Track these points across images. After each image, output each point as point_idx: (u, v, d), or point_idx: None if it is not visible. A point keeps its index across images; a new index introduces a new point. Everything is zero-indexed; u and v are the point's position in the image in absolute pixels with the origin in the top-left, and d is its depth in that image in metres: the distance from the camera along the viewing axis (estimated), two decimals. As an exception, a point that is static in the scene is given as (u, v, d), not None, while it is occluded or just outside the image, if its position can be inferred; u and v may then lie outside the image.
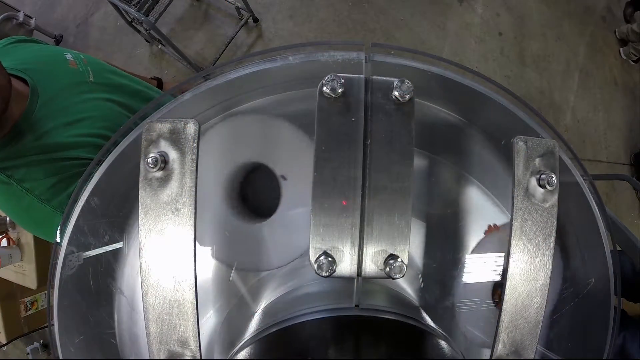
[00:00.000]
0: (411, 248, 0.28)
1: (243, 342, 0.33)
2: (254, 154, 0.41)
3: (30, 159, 0.63)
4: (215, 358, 0.40)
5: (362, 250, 0.27)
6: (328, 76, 0.28)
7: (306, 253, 0.40)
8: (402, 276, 0.27)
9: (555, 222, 0.28)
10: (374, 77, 0.29)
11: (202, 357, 0.27)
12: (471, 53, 2.28)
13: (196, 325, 0.26)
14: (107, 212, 0.38)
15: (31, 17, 2.10)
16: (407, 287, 0.42)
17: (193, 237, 0.26)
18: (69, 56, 0.73)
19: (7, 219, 1.24)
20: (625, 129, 2.46)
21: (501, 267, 0.41)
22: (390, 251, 0.27)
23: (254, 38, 2.17)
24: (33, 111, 0.64)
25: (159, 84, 1.17)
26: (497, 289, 0.43)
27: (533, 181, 0.28)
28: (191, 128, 0.27)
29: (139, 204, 0.27)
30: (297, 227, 0.41)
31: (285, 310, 0.35)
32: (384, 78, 0.29)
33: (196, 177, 0.27)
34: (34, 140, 0.63)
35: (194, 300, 0.26)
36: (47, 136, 0.64)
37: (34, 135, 0.63)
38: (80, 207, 0.36)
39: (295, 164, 0.41)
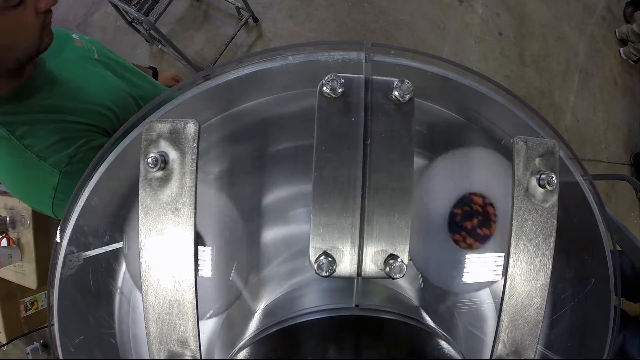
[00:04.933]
0: (411, 248, 0.28)
1: (243, 342, 0.33)
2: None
3: (34, 117, 0.65)
4: (215, 358, 0.40)
5: (362, 250, 0.27)
6: (328, 76, 0.28)
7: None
8: (402, 276, 0.27)
9: (555, 222, 0.28)
10: (374, 77, 0.29)
11: (202, 357, 0.27)
12: (471, 53, 2.28)
13: (196, 325, 0.26)
14: (107, 212, 0.38)
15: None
16: (407, 287, 0.43)
17: (193, 237, 0.26)
18: (75, 36, 0.78)
19: (7, 218, 1.23)
20: (625, 129, 2.46)
21: (501, 267, 0.41)
22: (390, 251, 0.27)
23: (254, 38, 2.17)
24: (43, 73, 0.67)
25: (154, 73, 1.20)
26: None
27: (533, 181, 0.28)
28: (191, 128, 0.27)
29: (139, 204, 0.27)
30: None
31: (285, 310, 0.35)
32: (384, 78, 0.29)
33: (196, 177, 0.27)
34: (40, 100, 0.65)
35: (194, 300, 0.26)
36: (53, 98, 0.67)
37: (41, 95, 0.66)
38: (80, 207, 0.36)
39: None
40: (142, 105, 0.80)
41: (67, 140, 0.66)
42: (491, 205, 0.40)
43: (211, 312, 0.41)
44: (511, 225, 0.28)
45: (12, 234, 1.25)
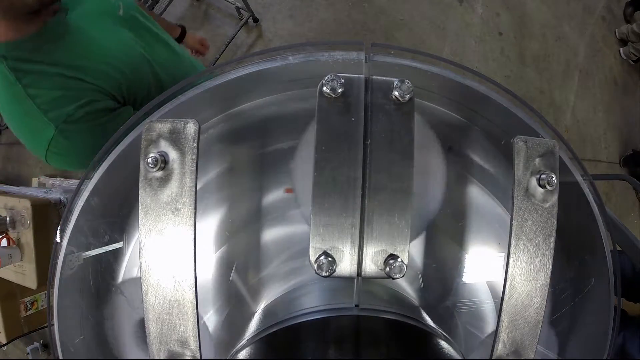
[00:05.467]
0: (411, 248, 0.28)
1: (243, 342, 0.33)
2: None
3: (42, 68, 0.64)
4: (215, 358, 0.40)
5: (362, 250, 0.27)
6: (328, 76, 0.28)
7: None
8: (402, 276, 0.27)
9: (555, 222, 0.28)
10: (374, 77, 0.29)
11: (202, 357, 0.27)
12: (471, 53, 2.28)
13: (196, 325, 0.26)
14: (107, 212, 0.38)
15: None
16: (407, 287, 0.43)
17: (193, 237, 0.26)
18: None
19: (7, 218, 1.24)
20: (625, 129, 2.46)
21: (501, 267, 0.41)
22: (390, 251, 0.27)
23: (254, 38, 2.16)
24: (61, 23, 0.65)
25: (183, 31, 1.17)
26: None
27: (533, 181, 0.28)
28: (191, 128, 0.27)
29: (139, 204, 0.27)
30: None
31: (285, 310, 0.35)
32: (384, 78, 0.29)
33: (196, 177, 0.27)
34: (52, 51, 0.64)
35: (194, 300, 0.26)
36: (65, 51, 0.65)
37: (54, 46, 0.64)
38: (80, 207, 0.36)
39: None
40: (159, 74, 0.77)
41: (69, 98, 0.65)
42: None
43: (211, 312, 0.41)
44: (511, 225, 0.28)
45: (12, 234, 1.25)
